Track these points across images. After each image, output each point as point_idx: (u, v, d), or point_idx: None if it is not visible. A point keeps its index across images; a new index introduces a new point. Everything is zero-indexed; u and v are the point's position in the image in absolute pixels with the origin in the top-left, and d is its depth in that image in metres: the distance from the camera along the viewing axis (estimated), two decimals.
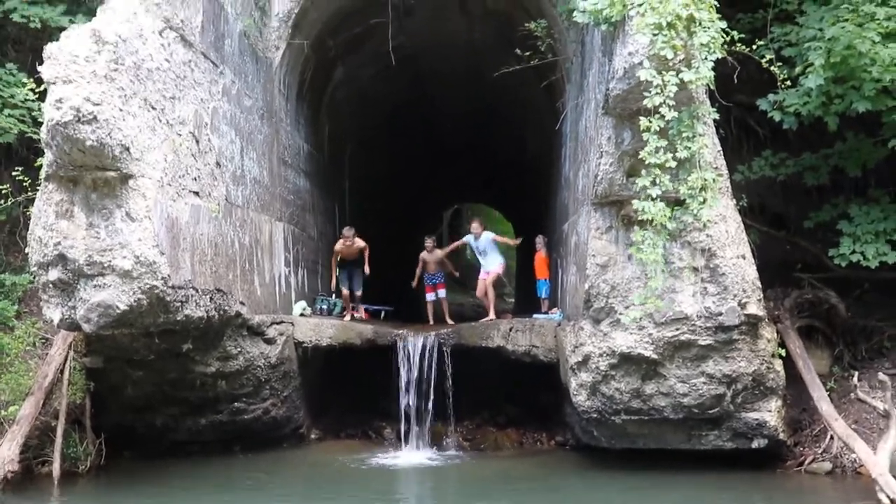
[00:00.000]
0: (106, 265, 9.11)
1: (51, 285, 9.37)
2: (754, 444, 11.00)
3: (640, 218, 9.39)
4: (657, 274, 9.53)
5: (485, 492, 10.81)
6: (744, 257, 10.19)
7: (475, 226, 15.71)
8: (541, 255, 15.49)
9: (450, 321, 15.34)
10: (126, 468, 11.44)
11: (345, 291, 15.07)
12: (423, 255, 16.23)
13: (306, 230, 15.36)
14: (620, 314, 10.20)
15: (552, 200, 16.32)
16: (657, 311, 10.05)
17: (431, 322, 15.71)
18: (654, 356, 10.33)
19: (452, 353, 12.92)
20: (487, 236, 15.45)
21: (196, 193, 10.35)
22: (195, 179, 10.36)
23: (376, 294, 16.60)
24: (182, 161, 10.03)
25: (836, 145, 12.35)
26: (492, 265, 15.48)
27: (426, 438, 12.93)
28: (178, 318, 9.96)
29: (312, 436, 13.91)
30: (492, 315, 14.77)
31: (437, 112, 21.25)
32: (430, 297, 16.24)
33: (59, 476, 10.64)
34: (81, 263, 9.10)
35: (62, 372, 11.14)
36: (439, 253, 16.52)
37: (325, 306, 14.83)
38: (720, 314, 10.10)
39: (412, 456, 12.61)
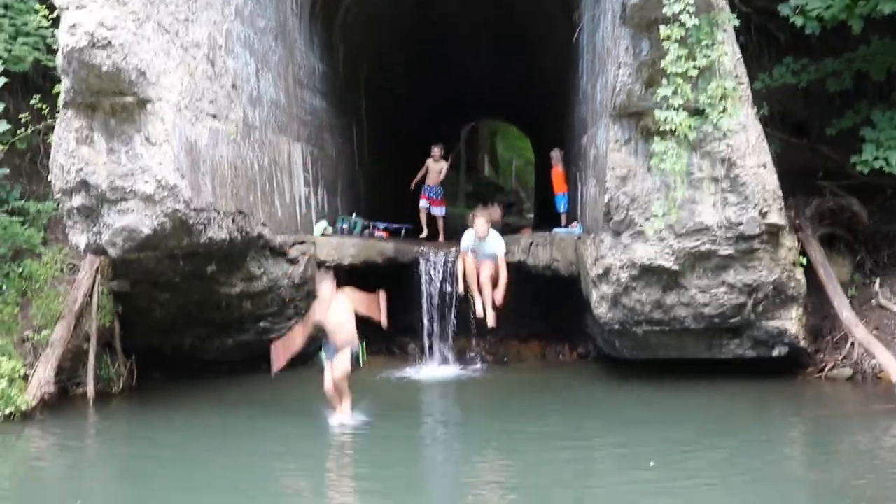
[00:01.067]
0: (128, 190, 9.17)
1: (75, 211, 9.48)
2: (775, 353, 11.08)
3: (660, 129, 9.29)
4: (680, 184, 9.47)
5: (508, 401, 10.97)
6: (764, 166, 10.10)
7: (480, 223, 11.55)
8: (557, 170, 15.42)
9: (442, 240, 15.44)
10: (157, 388, 11.68)
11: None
12: (429, 162, 16.29)
13: (325, 149, 15.32)
14: (641, 226, 10.16)
15: (570, 114, 16.15)
16: (678, 223, 10.03)
17: (425, 233, 15.73)
18: (675, 267, 10.29)
19: None
20: (494, 237, 11.76)
21: (214, 116, 10.33)
22: (212, 102, 10.32)
23: (395, 213, 16.63)
24: (198, 84, 9.99)
25: (860, 49, 12.12)
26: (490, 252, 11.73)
27: (450, 353, 13.10)
28: (202, 241, 10.03)
29: None
30: (488, 311, 11.68)
31: (451, 28, 20.92)
32: (422, 203, 16.22)
33: (94, 397, 10.95)
34: (104, 189, 9.16)
35: (90, 296, 11.30)
36: (444, 165, 16.34)
37: (345, 225, 14.86)
38: (741, 224, 10.04)
39: (436, 370, 12.78)
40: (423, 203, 16.28)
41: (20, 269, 11.76)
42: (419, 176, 16.24)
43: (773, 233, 10.24)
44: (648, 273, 10.45)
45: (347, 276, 13.80)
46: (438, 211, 16.26)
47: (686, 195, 9.89)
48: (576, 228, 13.41)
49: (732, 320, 10.68)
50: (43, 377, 10.45)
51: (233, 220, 10.64)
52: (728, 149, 9.91)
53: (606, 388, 11.52)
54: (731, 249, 10.19)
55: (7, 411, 9.91)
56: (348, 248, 13.28)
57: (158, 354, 12.10)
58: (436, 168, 16.20)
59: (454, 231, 15.76)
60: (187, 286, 11.34)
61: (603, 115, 11.03)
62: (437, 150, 16.29)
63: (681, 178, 9.51)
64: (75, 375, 11.26)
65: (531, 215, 30.10)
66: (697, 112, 9.35)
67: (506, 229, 14.92)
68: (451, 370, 12.83)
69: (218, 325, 12.12)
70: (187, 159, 9.54)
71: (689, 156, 9.59)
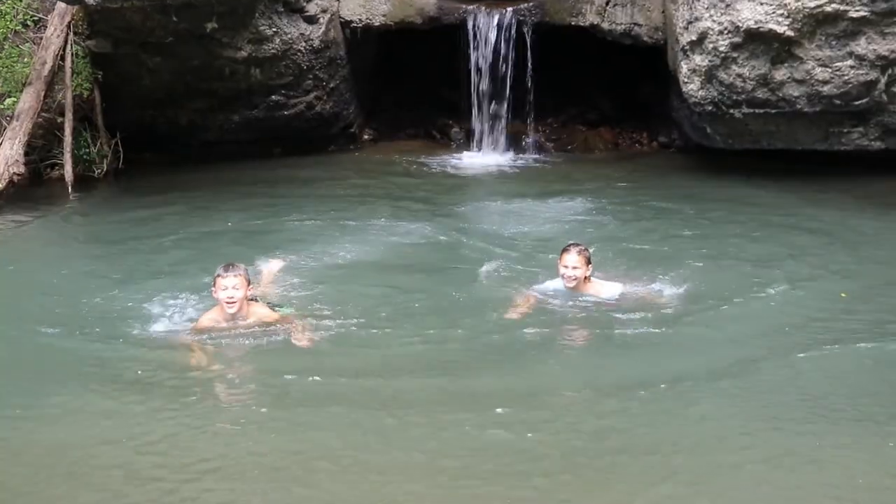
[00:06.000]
0: None
1: None
2: None
3: None
4: None
5: (574, 192, 11.06)
6: None
7: None
8: None
9: None
10: (148, 172, 12.02)
11: None
12: None
13: None
14: None
15: None
16: None
17: None
18: (790, 32, 10.19)
19: (534, 33, 12.83)
20: None
21: None
22: None
23: None
24: None
25: None
26: None
27: (502, 138, 13.34)
28: None
29: (365, 136, 14.46)
30: None
31: None
32: None
33: (73, 180, 11.16)
34: None
35: (62, 59, 11.34)
36: None
37: None
38: None
39: (485, 158, 13.12)
40: None
41: None
42: None
43: None
44: (755, 40, 10.38)
45: (378, 43, 13.90)
46: None
47: None
48: None
49: (858, 102, 10.61)
50: (10, 154, 10.69)
51: None
52: None
53: (693, 181, 11.70)
54: (865, 10, 9.93)
55: None
56: (379, 6, 13.20)
57: (150, 132, 12.33)
58: None
59: None
60: (182, 48, 11.42)
61: None
62: None
63: None
64: (49, 155, 11.56)
65: None
66: None
67: None
68: (504, 159, 13.12)
69: (221, 97, 12.31)
70: None
71: None
